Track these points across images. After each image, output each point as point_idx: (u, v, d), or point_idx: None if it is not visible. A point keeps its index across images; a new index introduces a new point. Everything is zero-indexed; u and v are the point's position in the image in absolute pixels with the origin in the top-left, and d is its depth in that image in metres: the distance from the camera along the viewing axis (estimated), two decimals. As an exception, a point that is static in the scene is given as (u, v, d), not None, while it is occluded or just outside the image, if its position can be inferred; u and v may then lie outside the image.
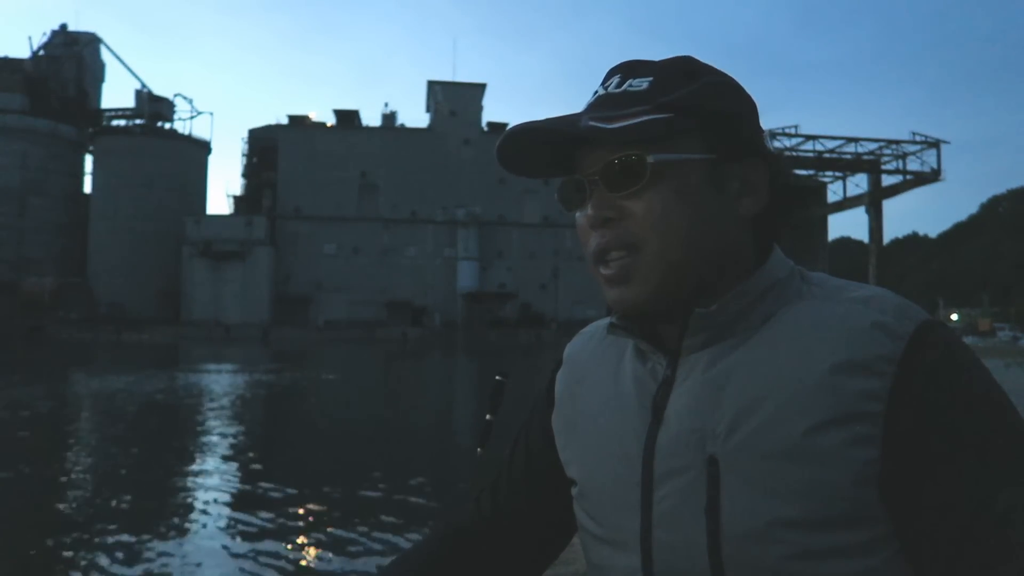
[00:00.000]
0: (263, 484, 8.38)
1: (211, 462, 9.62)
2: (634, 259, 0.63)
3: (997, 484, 0.54)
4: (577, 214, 0.69)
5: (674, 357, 0.67)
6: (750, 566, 0.58)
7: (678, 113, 0.63)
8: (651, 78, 0.66)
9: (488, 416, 0.87)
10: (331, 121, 76.75)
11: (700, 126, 0.64)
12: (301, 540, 6.27)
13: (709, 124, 0.64)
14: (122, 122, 79.95)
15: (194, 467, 9.41)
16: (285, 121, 75.80)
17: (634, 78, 0.66)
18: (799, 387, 0.59)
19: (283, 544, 6.11)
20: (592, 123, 0.62)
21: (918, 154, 61.77)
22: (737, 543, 0.58)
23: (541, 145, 0.68)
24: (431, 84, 77.39)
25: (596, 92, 0.68)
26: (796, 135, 57.53)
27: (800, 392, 0.58)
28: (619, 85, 0.66)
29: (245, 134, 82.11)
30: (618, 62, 0.70)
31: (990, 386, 0.58)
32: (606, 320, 0.78)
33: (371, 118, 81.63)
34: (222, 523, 6.70)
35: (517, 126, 0.66)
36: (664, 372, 0.67)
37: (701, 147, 0.64)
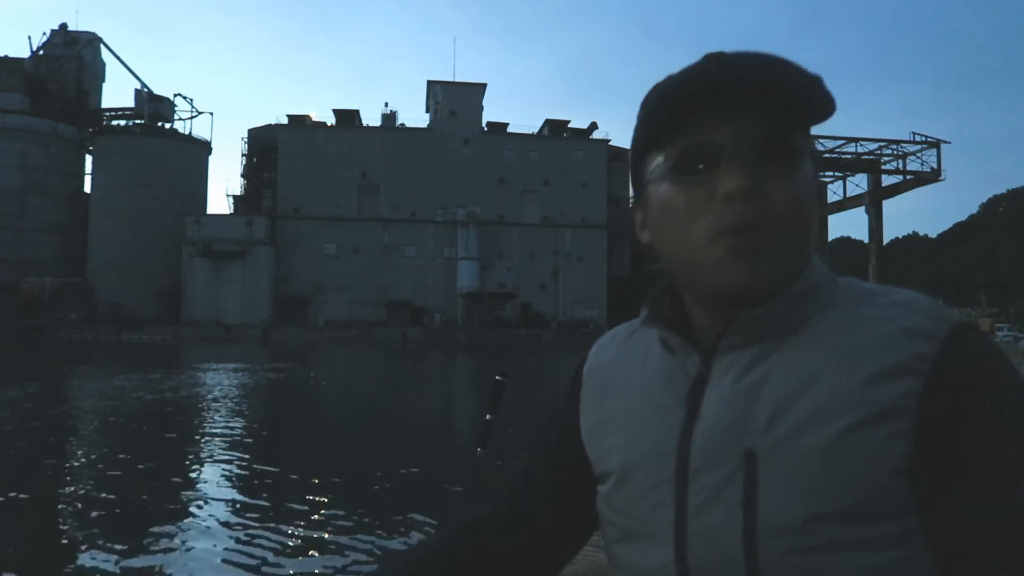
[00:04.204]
0: (263, 483, 8.40)
1: (214, 459, 9.63)
2: (773, 235, 0.62)
3: (1019, 477, 0.55)
4: (670, 186, 0.65)
5: (709, 354, 0.67)
6: (784, 558, 0.59)
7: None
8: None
9: (488, 416, 0.87)
10: (331, 121, 76.77)
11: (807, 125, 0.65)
12: (299, 539, 6.28)
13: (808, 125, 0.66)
14: (122, 122, 79.98)
15: (196, 466, 9.42)
16: (285, 121, 75.80)
17: None
18: (837, 389, 0.59)
19: (281, 543, 6.12)
20: (824, 86, 0.61)
21: (918, 154, 61.80)
22: (772, 536, 0.59)
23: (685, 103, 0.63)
24: (431, 84, 77.39)
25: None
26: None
27: (838, 393, 0.59)
28: None
29: (245, 134, 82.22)
30: (708, 52, 0.67)
31: (1019, 384, 0.59)
32: (624, 326, 0.78)
33: (371, 118, 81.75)
34: (222, 520, 6.71)
35: (724, 61, 0.63)
36: (698, 369, 0.67)
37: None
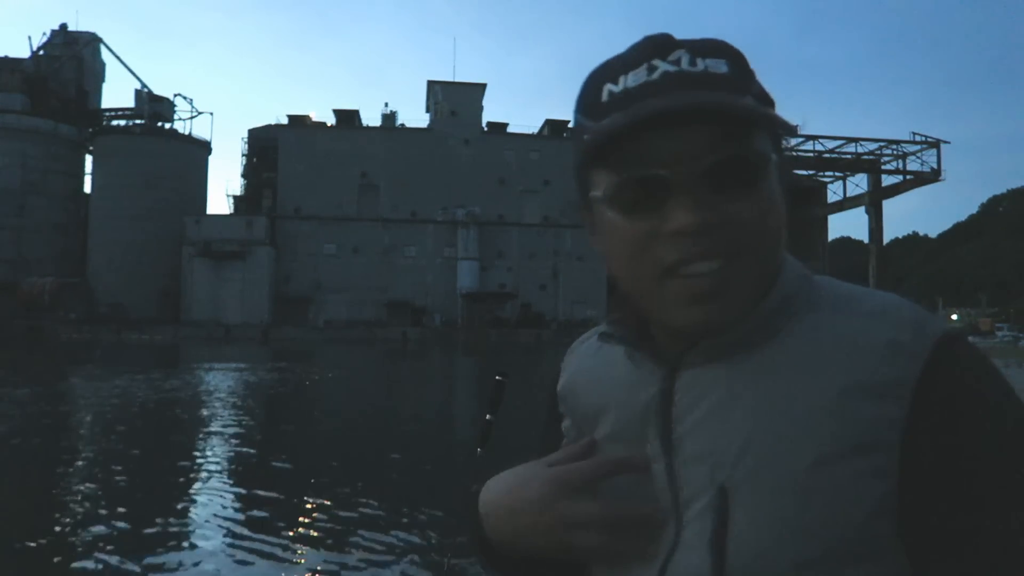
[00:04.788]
0: (265, 481, 8.42)
1: (217, 459, 9.65)
2: (731, 268, 0.57)
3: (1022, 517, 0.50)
4: (615, 214, 0.59)
5: (672, 370, 0.63)
6: None
7: (767, 106, 0.59)
8: (725, 60, 0.59)
9: (488, 416, 0.85)
10: (331, 121, 76.83)
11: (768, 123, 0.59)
12: (301, 537, 6.29)
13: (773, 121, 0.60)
14: (122, 122, 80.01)
15: (200, 465, 9.43)
16: (285, 121, 75.83)
17: (702, 57, 0.58)
18: (810, 414, 0.55)
19: (283, 540, 6.14)
20: (768, 111, 0.56)
21: (918, 154, 61.90)
22: None
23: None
24: (431, 84, 77.44)
25: (654, 66, 0.58)
26: (796, 135, 57.76)
27: (811, 419, 0.55)
28: (692, 63, 0.58)
29: (245, 134, 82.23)
30: (649, 34, 0.61)
31: (1015, 407, 0.54)
32: (595, 332, 0.75)
33: (371, 118, 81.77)
34: (226, 517, 6.73)
35: (650, 107, 0.55)
36: (661, 386, 0.63)
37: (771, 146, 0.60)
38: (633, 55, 0.60)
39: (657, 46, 0.59)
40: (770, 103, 0.59)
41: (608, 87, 0.59)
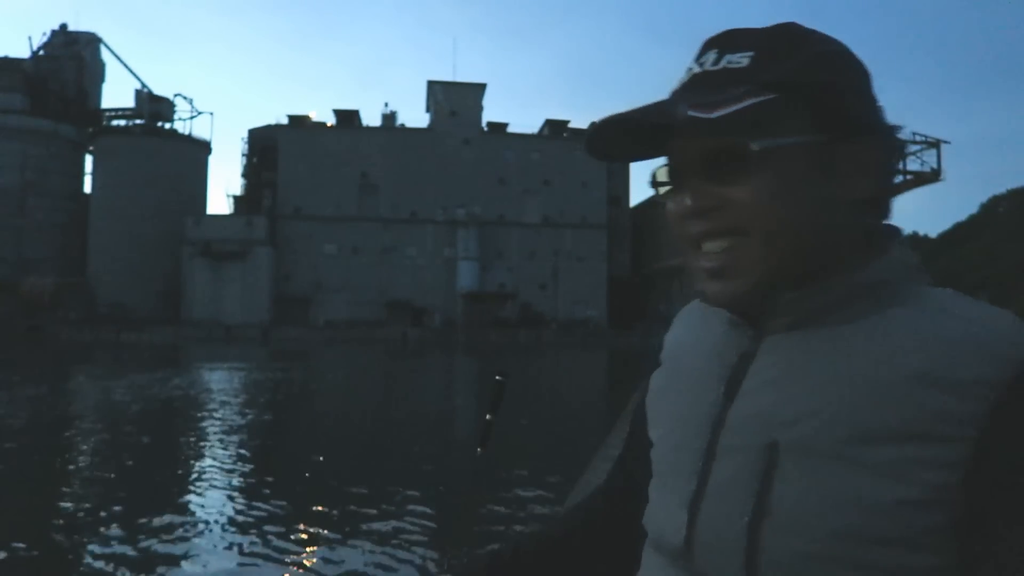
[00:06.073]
0: (268, 479, 8.43)
1: (217, 460, 9.65)
2: (740, 244, 0.61)
3: None
4: (667, 201, 0.67)
5: (759, 333, 0.66)
6: (787, 561, 0.57)
7: (784, 91, 0.59)
8: (752, 52, 0.62)
9: (488, 416, 0.88)
10: (331, 121, 76.78)
11: (809, 104, 0.60)
12: (302, 535, 6.30)
13: (819, 101, 0.61)
14: (122, 122, 79.97)
15: (201, 465, 9.44)
16: (285, 121, 75.81)
17: (733, 52, 0.62)
18: (874, 392, 0.56)
19: (285, 539, 6.14)
20: (693, 113, 0.57)
21: (918, 154, 61.88)
22: (778, 533, 0.57)
23: (632, 132, 0.66)
24: (431, 84, 77.41)
25: (690, 69, 0.65)
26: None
27: (874, 397, 0.56)
28: (716, 62, 0.63)
29: (245, 134, 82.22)
30: (716, 32, 0.66)
31: None
32: None
33: (371, 118, 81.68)
34: (229, 515, 6.73)
35: (608, 119, 0.64)
36: (746, 346, 0.66)
37: (810, 127, 0.61)
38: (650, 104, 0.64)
39: (703, 47, 0.65)
40: (801, 85, 0.60)
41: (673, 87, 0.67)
